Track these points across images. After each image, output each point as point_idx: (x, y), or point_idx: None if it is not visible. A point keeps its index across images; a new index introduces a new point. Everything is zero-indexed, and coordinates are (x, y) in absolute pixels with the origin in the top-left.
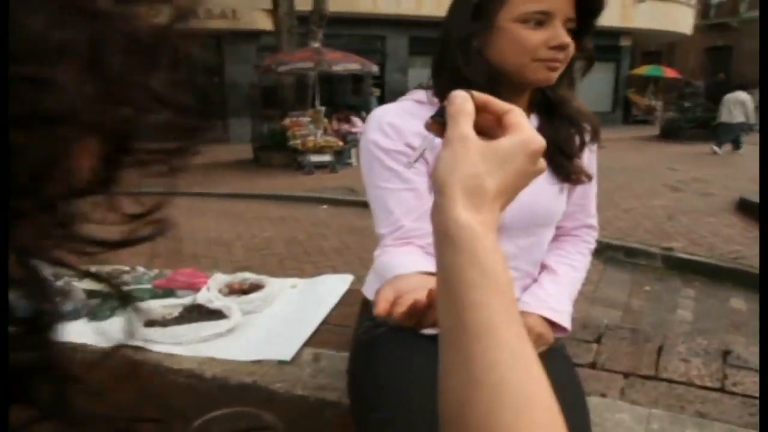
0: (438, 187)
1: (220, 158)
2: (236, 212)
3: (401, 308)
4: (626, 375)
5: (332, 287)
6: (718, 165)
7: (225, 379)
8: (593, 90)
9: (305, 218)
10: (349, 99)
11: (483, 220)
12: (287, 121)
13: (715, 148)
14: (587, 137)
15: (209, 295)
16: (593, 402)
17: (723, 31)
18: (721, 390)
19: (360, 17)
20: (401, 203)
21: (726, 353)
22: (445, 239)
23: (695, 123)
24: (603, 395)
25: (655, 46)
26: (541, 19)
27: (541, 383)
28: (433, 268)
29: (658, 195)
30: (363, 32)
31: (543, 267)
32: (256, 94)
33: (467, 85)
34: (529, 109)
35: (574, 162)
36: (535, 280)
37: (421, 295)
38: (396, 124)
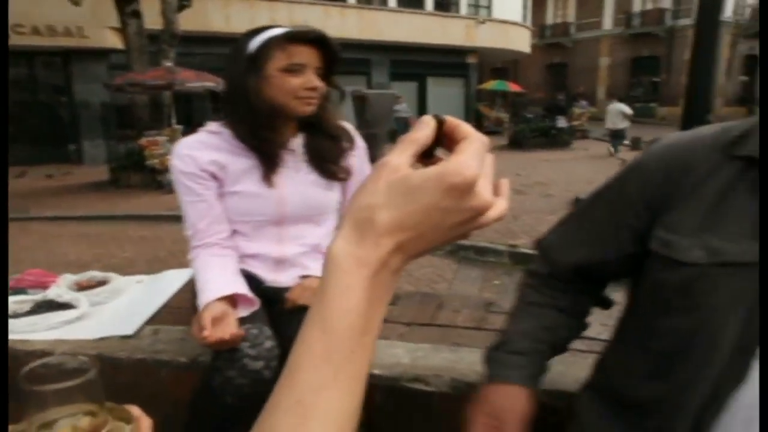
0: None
1: (75, 181)
2: (95, 234)
3: (212, 339)
4: (407, 324)
5: (174, 278)
6: (556, 169)
7: (73, 352)
8: (446, 103)
9: (167, 236)
10: (209, 117)
11: (357, 255)
12: (143, 141)
13: (611, 149)
14: (346, 146)
15: (59, 290)
16: (378, 344)
17: (559, 50)
18: (477, 328)
19: (214, 36)
20: (196, 212)
21: (489, 304)
22: (323, 268)
23: (538, 132)
24: (386, 338)
25: (500, 63)
26: (297, 69)
27: None
28: (236, 285)
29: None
30: (218, 51)
31: None
32: (110, 114)
33: (255, 115)
34: (297, 130)
35: (336, 165)
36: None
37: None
38: (191, 154)
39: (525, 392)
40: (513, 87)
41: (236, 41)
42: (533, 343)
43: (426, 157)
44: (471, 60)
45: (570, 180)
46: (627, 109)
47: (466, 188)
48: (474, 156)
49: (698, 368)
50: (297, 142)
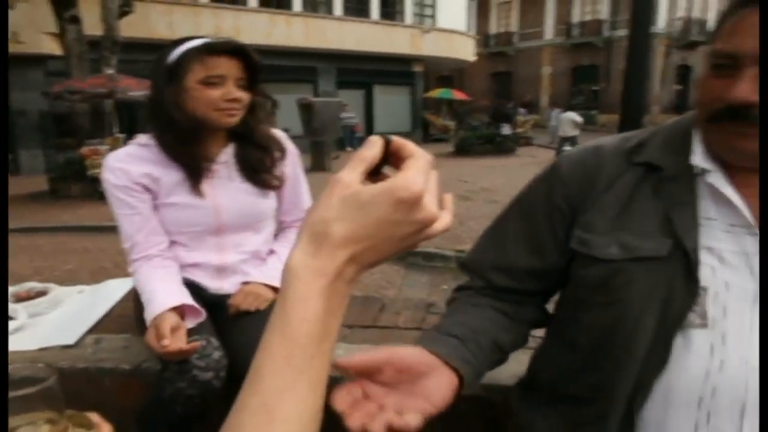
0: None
1: (11, 192)
2: (34, 247)
3: (173, 348)
4: (349, 326)
5: (116, 288)
6: (501, 175)
7: (12, 363)
8: (393, 112)
9: (111, 247)
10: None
11: (314, 265)
12: (85, 150)
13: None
14: (277, 155)
15: None
16: None
17: (503, 59)
18: (418, 329)
19: (157, 43)
20: (131, 224)
21: (430, 305)
22: (281, 279)
23: (483, 139)
24: None
25: (446, 72)
26: (216, 81)
27: None
28: (183, 295)
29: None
30: None
31: (270, 251)
32: (48, 123)
33: (177, 128)
34: (227, 140)
35: (269, 174)
36: (264, 260)
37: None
38: (122, 167)
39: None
40: (458, 95)
41: (158, 53)
42: (472, 333)
43: (374, 174)
44: (417, 68)
45: (515, 186)
46: (578, 118)
47: (414, 202)
48: (420, 172)
49: (623, 358)
50: (228, 153)
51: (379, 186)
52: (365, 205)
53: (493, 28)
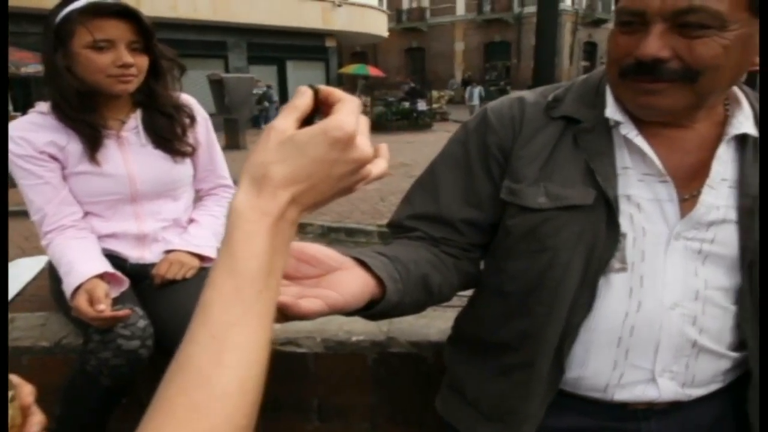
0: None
1: None
2: None
3: (109, 313)
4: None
5: (27, 266)
6: (419, 151)
7: None
8: None
9: (16, 233)
10: None
11: (258, 205)
12: None
13: None
14: (186, 121)
15: None
16: None
17: (416, 35)
18: None
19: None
20: (40, 195)
21: None
22: (226, 221)
23: (400, 115)
24: None
25: (360, 47)
26: (104, 46)
27: (230, 372)
28: (104, 264)
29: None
30: None
31: (191, 220)
32: None
33: (70, 95)
34: (133, 107)
35: (179, 140)
36: (185, 228)
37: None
38: (25, 136)
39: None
40: (373, 71)
41: (46, 16)
42: (403, 259)
43: (306, 124)
44: (330, 44)
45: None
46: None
47: (348, 141)
48: (350, 113)
49: (551, 304)
50: (136, 119)
51: (314, 127)
52: (302, 147)
53: (406, 3)
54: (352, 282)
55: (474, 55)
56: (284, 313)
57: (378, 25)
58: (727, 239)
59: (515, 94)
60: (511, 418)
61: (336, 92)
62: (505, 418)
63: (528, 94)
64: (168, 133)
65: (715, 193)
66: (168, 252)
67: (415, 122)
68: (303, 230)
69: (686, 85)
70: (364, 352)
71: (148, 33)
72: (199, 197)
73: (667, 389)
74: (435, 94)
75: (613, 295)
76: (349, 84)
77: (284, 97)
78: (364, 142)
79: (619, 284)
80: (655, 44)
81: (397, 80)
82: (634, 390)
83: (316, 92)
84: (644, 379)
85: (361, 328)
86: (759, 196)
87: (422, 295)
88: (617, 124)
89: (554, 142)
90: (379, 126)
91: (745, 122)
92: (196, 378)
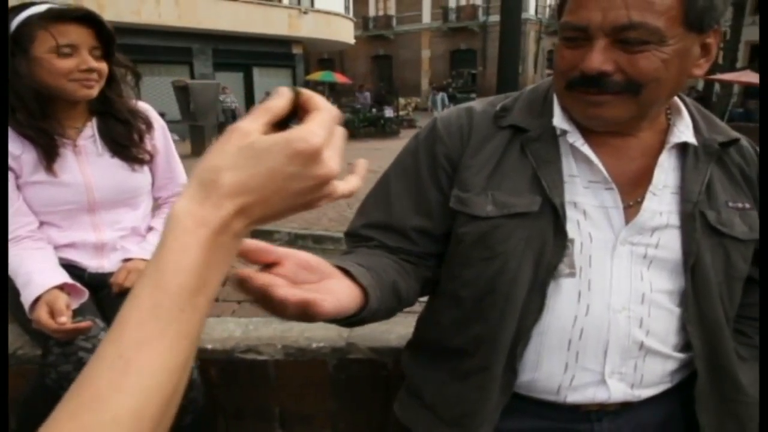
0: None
1: None
2: None
3: (71, 326)
4: (239, 302)
5: None
6: (386, 158)
7: None
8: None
9: None
10: None
11: (198, 214)
12: None
13: None
14: (142, 127)
15: None
16: (209, 321)
17: (383, 42)
18: None
19: None
20: None
21: None
22: (164, 225)
23: (367, 122)
24: (218, 316)
25: (327, 54)
26: (67, 51)
27: (126, 398)
28: (63, 275)
29: None
30: None
31: (149, 228)
32: None
33: (26, 100)
34: (88, 115)
35: (136, 148)
36: (144, 237)
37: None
38: None
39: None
40: (340, 78)
41: None
42: (374, 267)
43: (280, 127)
44: (296, 50)
45: None
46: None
47: (311, 155)
48: (322, 125)
49: (503, 309)
50: (92, 128)
51: (277, 136)
52: (259, 155)
53: (372, 11)
54: (343, 289)
55: (440, 62)
56: (307, 312)
57: (345, 32)
58: (670, 244)
59: (464, 104)
60: (467, 422)
61: (315, 99)
62: (462, 422)
63: (476, 104)
64: (125, 140)
65: (658, 199)
66: (126, 260)
67: (383, 129)
68: (270, 237)
69: (630, 96)
70: (324, 359)
71: (109, 39)
72: (158, 205)
73: (617, 390)
74: (402, 101)
75: (563, 300)
76: (316, 91)
77: (250, 105)
78: (331, 157)
79: (568, 289)
80: (598, 58)
81: (354, 87)
82: (586, 392)
83: (297, 95)
84: (594, 381)
85: (321, 335)
86: (759, 196)
87: (393, 302)
88: (564, 132)
89: (502, 150)
90: (346, 133)
91: (685, 131)
92: (90, 401)
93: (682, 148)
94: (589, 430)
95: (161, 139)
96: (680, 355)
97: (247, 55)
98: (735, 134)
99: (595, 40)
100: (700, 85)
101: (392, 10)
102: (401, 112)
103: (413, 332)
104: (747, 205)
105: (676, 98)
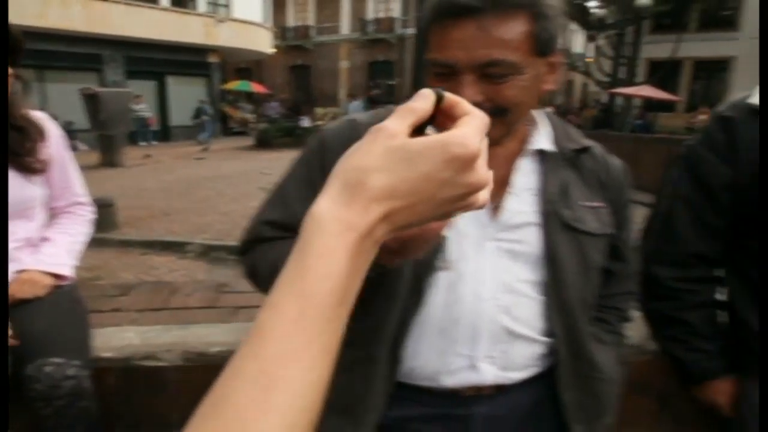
0: (330, 178)
1: None
2: None
3: None
4: (139, 311)
5: None
6: None
7: None
8: (188, 104)
9: None
10: None
11: (343, 217)
12: None
13: None
14: (35, 137)
15: None
16: (108, 331)
17: (301, 52)
18: (210, 307)
19: None
20: None
21: (221, 285)
22: (303, 228)
23: (283, 132)
24: (117, 325)
25: (244, 64)
26: None
27: (276, 417)
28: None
29: (254, 197)
30: None
31: (44, 238)
32: None
33: None
34: None
35: (30, 158)
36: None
37: None
38: None
39: None
40: (257, 88)
41: None
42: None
43: (417, 132)
44: (213, 59)
45: None
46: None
47: (468, 162)
48: (477, 131)
49: (387, 303)
50: None
51: (433, 138)
52: (413, 158)
53: (291, 21)
54: None
55: (359, 73)
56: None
57: (262, 41)
58: (531, 239)
59: (349, 116)
60: (356, 409)
61: (463, 104)
62: (350, 410)
63: (361, 116)
64: (19, 148)
65: (519, 199)
66: (20, 272)
67: (299, 139)
68: (182, 249)
69: (500, 119)
70: (225, 362)
71: (16, 47)
72: (53, 215)
73: (488, 373)
74: (320, 110)
75: (439, 291)
76: (233, 100)
77: (164, 113)
78: (483, 166)
79: (444, 281)
80: (469, 92)
81: (282, 97)
82: (460, 376)
83: (439, 98)
84: (467, 365)
85: (221, 339)
86: (759, 196)
87: None
88: None
89: None
90: (262, 143)
91: (541, 140)
92: (235, 421)
93: (542, 154)
94: (468, 414)
95: (56, 148)
96: (545, 340)
97: (161, 63)
98: (588, 142)
99: (463, 75)
100: (605, 98)
101: (311, 21)
102: (318, 122)
103: None
104: (599, 204)
105: (534, 112)
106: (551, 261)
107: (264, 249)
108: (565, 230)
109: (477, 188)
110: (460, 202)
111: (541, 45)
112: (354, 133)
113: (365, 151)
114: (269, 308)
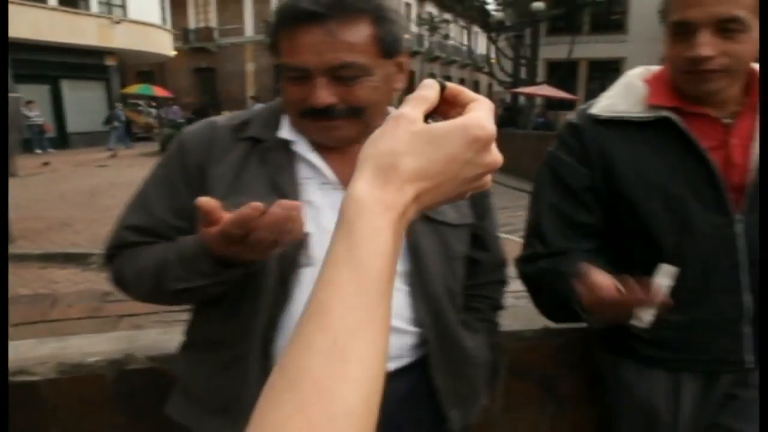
0: (357, 163)
1: None
2: None
3: None
4: (15, 325)
5: None
6: None
7: None
8: (86, 108)
9: None
10: None
11: (382, 198)
12: None
13: None
14: None
15: None
16: None
17: (205, 55)
18: (91, 317)
19: None
20: None
21: (105, 294)
22: (339, 212)
23: None
24: None
25: (146, 67)
26: None
27: (354, 386)
28: None
29: None
30: None
31: None
32: None
33: None
34: None
35: None
36: None
37: None
38: None
39: None
40: (159, 91)
41: None
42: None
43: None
44: (110, 62)
45: None
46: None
47: (487, 142)
48: (489, 115)
49: (255, 301)
50: None
51: (454, 122)
52: (438, 140)
53: (192, 22)
54: None
55: (265, 75)
56: None
57: (162, 44)
58: None
59: (209, 119)
60: (234, 409)
61: (467, 92)
62: (227, 410)
63: (220, 119)
64: None
65: None
66: None
67: None
68: (85, 261)
69: (356, 119)
70: (102, 372)
71: None
72: None
73: None
74: (227, 114)
75: (305, 287)
76: (135, 105)
77: (60, 120)
78: (495, 146)
79: (309, 277)
80: (323, 94)
81: (187, 100)
82: None
83: (442, 88)
84: None
85: (97, 349)
86: (759, 195)
87: None
88: (293, 143)
89: (242, 160)
90: (167, 148)
91: None
92: (315, 394)
93: None
94: None
95: None
96: (416, 330)
97: (53, 66)
98: None
99: (316, 79)
100: (509, 98)
101: (213, 23)
102: None
103: (185, 333)
104: None
105: (390, 109)
106: (413, 252)
107: (129, 255)
108: (425, 222)
109: (493, 167)
110: (478, 181)
111: (387, 47)
112: (213, 134)
113: (392, 136)
114: (327, 285)
